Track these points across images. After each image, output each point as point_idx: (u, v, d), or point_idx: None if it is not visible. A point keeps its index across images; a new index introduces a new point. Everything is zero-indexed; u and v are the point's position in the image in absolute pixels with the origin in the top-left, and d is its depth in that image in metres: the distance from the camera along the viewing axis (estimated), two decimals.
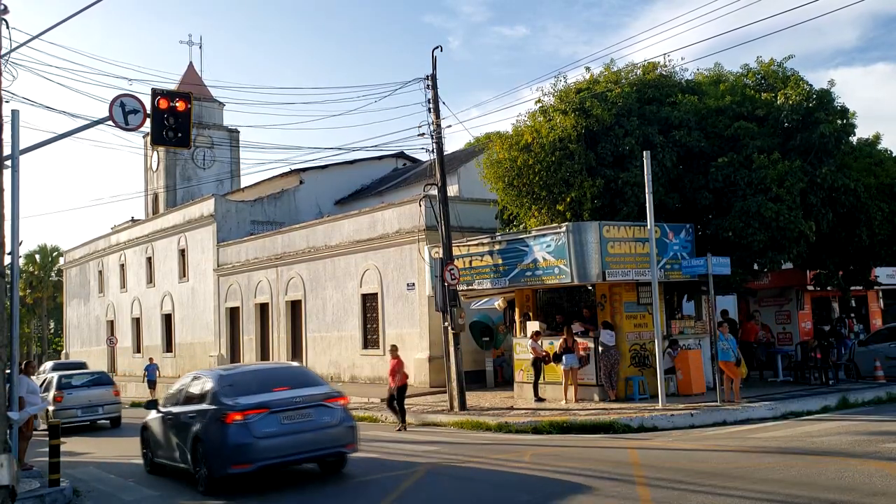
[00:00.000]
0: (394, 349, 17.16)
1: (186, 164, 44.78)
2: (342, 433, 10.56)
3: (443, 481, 10.02)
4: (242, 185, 42.25)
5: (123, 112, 11.36)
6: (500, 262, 18.19)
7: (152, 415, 12.18)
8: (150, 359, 34.01)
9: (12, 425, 10.12)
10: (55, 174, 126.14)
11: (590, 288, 18.41)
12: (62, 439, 11.50)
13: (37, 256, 65.84)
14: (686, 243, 17.32)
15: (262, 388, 10.53)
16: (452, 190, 26.10)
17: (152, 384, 30.47)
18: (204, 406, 10.58)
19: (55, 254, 65.40)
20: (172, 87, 30.61)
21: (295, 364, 15.89)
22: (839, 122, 18.05)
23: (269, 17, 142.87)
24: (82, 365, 31.91)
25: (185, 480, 11.30)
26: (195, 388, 11.27)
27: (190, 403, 11.07)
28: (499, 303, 21.89)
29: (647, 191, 15.70)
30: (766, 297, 22.99)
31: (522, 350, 18.72)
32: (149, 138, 13.36)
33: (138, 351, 40.40)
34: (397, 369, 16.45)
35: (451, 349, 17.99)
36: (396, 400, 16.43)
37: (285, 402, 10.22)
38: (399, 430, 16.04)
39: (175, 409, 11.42)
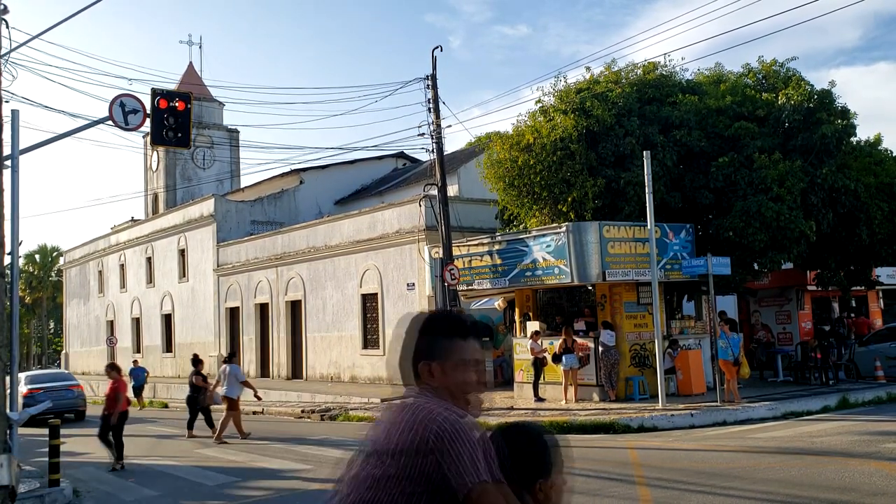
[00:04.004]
0: (111, 369, 13.75)
1: (186, 164, 44.73)
2: (79, 401, 23.79)
3: None
4: (242, 185, 42.21)
5: (123, 112, 11.35)
6: (499, 262, 18.17)
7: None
8: (135, 361, 31.40)
9: (12, 425, 10.11)
10: (55, 174, 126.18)
11: (590, 288, 18.40)
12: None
13: (36, 256, 65.87)
14: (686, 243, 17.32)
15: (44, 381, 23.76)
16: (452, 190, 26.08)
17: (139, 390, 27.51)
18: (20, 388, 20.04)
19: (55, 254, 65.40)
20: (172, 86, 30.62)
21: (64, 371, 29.72)
22: (840, 122, 18.04)
23: (269, 17, 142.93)
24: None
25: (185, 480, 11.57)
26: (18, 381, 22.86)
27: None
28: (499, 303, 21.88)
29: (647, 190, 15.70)
30: (766, 297, 22.99)
31: (522, 350, 18.72)
32: (149, 138, 13.34)
33: (138, 350, 40.35)
34: (116, 393, 13.11)
35: None
36: (112, 430, 12.98)
37: (52, 387, 22.81)
38: (114, 469, 12.75)
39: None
